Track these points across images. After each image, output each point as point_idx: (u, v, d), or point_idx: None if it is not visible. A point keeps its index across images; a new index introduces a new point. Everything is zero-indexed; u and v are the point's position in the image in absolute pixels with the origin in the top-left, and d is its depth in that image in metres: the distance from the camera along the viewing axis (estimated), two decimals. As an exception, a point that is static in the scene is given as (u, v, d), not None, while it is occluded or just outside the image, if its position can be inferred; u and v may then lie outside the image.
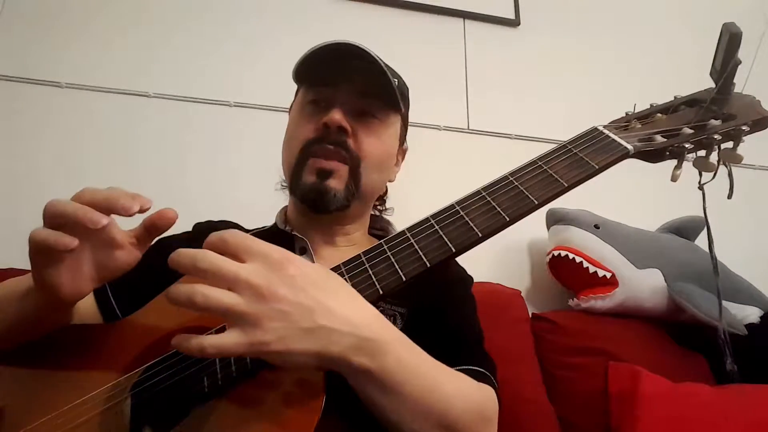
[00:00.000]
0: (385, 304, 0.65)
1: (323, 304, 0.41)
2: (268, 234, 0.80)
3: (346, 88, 0.72)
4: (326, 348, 0.41)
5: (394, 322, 0.65)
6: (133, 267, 0.52)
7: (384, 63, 0.72)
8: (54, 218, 0.44)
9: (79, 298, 0.50)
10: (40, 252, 0.45)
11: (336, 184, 0.71)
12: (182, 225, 0.84)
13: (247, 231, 0.81)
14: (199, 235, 0.82)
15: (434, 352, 0.50)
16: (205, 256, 0.39)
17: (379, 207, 0.89)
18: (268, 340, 0.38)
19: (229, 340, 0.38)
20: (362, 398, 0.46)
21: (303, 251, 0.73)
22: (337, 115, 0.70)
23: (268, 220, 0.85)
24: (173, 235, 0.82)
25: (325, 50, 0.70)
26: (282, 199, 0.86)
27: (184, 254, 0.40)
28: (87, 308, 0.68)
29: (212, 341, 0.38)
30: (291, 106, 0.84)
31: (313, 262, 0.72)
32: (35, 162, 1.20)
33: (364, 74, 0.71)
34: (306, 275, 0.42)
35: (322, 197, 0.71)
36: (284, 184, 0.86)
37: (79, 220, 0.43)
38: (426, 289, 0.63)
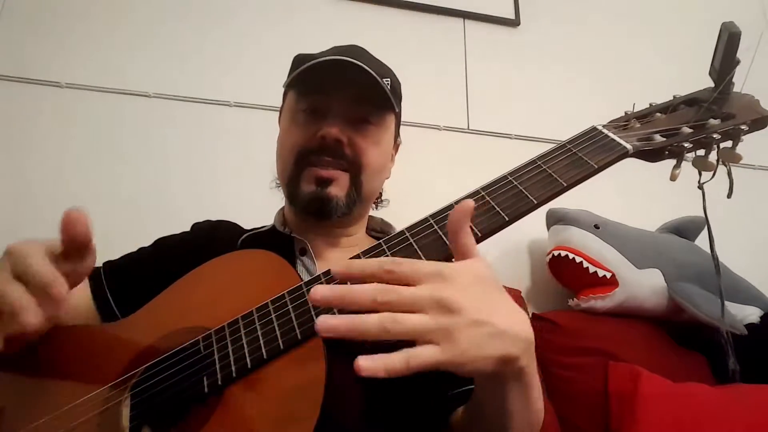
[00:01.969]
0: None
1: (497, 309, 0.42)
2: (267, 236, 0.80)
3: (340, 96, 0.72)
4: (508, 350, 0.41)
5: None
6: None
7: (374, 67, 0.71)
8: None
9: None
10: None
11: (337, 192, 0.71)
12: (183, 224, 0.85)
13: (245, 231, 0.81)
14: (198, 234, 0.82)
15: None
16: (385, 290, 0.39)
17: (374, 201, 0.88)
18: (462, 350, 0.38)
19: (428, 354, 0.38)
20: (495, 405, 0.47)
21: (303, 252, 0.73)
22: (333, 129, 0.70)
23: (268, 219, 0.85)
24: (172, 235, 0.82)
25: (322, 62, 0.70)
26: (279, 198, 0.86)
27: (360, 292, 0.39)
28: (84, 308, 0.68)
29: (414, 355, 0.37)
30: (280, 113, 0.84)
31: (314, 263, 0.72)
32: (35, 162, 1.20)
33: (357, 82, 0.70)
34: (473, 284, 0.42)
35: (324, 206, 0.71)
36: (278, 182, 0.86)
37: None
38: None
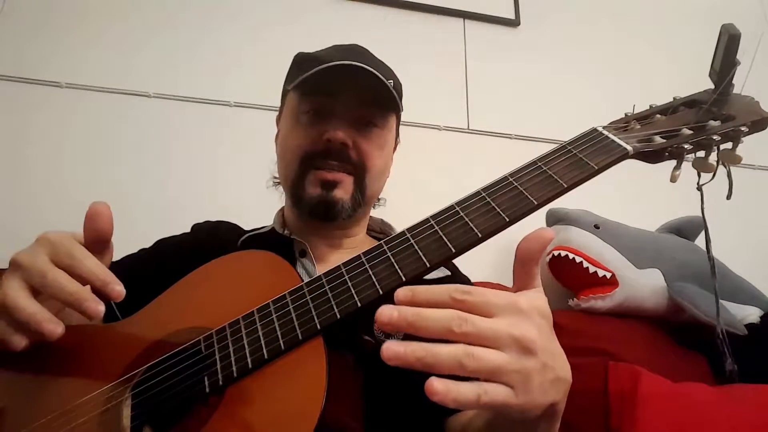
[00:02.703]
0: None
1: (556, 351, 0.40)
2: (267, 238, 0.80)
3: (345, 99, 0.71)
4: (557, 397, 0.39)
5: None
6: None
7: (379, 69, 0.71)
8: (10, 314, 0.44)
9: None
10: None
11: (342, 194, 0.71)
12: (183, 225, 0.85)
13: (245, 232, 0.81)
14: (199, 235, 0.82)
15: None
16: (462, 318, 0.36)
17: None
18: (533, 396, 0.37)
19: (502, 396, 0.35)
20: None
21: (303, 254, 0.73)
22: (339, 133, 0.69)
23: (268, 219, 0.85)
24: (172, 236, 0.82)
25: (331, 66, 0.68)
26: (279, 198, 0.86)
27: (433, 319, 0.36)
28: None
29: (487, 392, 0.35)
30: (280, 113, 0.83)
31: (314, 265, 0.72)
32: (35, 162, 1.20)
33: (363, 85, 0.70)
34: (543, 322, 0.40)
35: (331, 209, 0.71)
36: (275, 181, 0.86)
37: (32, 328, 0.44)
38: None
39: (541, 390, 0.37)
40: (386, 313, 0.36)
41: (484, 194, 0.51)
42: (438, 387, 0.33)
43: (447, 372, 0.35)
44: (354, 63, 0.69)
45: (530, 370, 0.36)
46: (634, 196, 1.45)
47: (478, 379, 0.36)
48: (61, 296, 0.45)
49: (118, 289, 0.46)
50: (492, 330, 0.36)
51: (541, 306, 0.40)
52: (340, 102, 0.71)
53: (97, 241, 0.49)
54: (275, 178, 0.86)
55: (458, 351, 0.35)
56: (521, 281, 0.43)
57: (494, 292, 0.39)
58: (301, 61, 0.74)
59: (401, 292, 0.38)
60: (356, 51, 0.76)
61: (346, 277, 0.50)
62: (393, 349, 0.35)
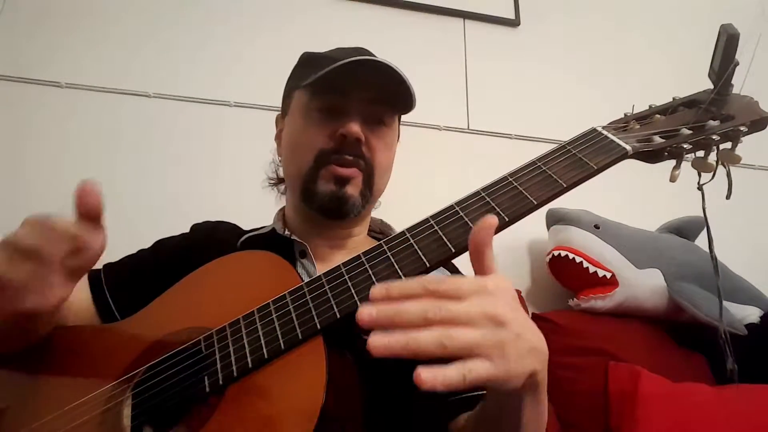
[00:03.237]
0: None
1: (526, 323, 0.42)
2: (266, 238, 0.79)
3: (358, 96, 0.71)
4: (535, 365, 0.41)
5: None
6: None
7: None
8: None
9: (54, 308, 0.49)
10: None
11: (353, 191, 0.71)
12: (183, 225, 0.85)
13: (245, 232, 0.81)
14: (198, 235, 0.82)
15: None
16: (437, 306, 0.38)
17: None
18: (511, 365, 0.39)
19: (483, 369, 0.37)
20: (510, 419, 0.47)
21: (303, 254, 0.73)
22: (356, 128, 0.69)
23: (268, 220, 0.85)
24: (172, 236, 0.82)
25: (343, 62, 0.68)
26: (278, 198, 0.86)
27: (411, 311, 0.38)
28: (85, 310, 0.68)
29: (470, 370, 0.37)
30: (286, 111, 0.83)
31: (314, 265, 0.72)
32: (35, 162, 1.20)
33: (377, 83, 0.70)
34: (509, 298, 0.42)
35: (343, 205, 0.71)
36: (271, 182, 0.85)
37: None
38: None
39: (518, 357, 0.39)
40: (366, 312, 0.38)
41: (483, 194, 0.51)
42: (425, 376, 0.35)
43: (430, 355, 0.37)
44: (371, 58, 0.69)
45: (505, 340, 0.39)
46: (634, 196, 1.46)
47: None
48: (62, 232, 0.48)
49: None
50: (465, 311, 0.39)
51: (506, 286, 0.43)
52: (353, 98, 0.71)
53: (89, 219, 0.49)
54: (270, 179, 0.86)
55: (437, 334, 0.37)
56: (480, 270, 0.45)
57: (463, 278, 0.42)
58: (309, 60, 0.74)
59: (376, 290, 0.40)
60: (362, 52, 0.76)
61: (346, 277, 0.50)
62: (379, 341, 0.37)
